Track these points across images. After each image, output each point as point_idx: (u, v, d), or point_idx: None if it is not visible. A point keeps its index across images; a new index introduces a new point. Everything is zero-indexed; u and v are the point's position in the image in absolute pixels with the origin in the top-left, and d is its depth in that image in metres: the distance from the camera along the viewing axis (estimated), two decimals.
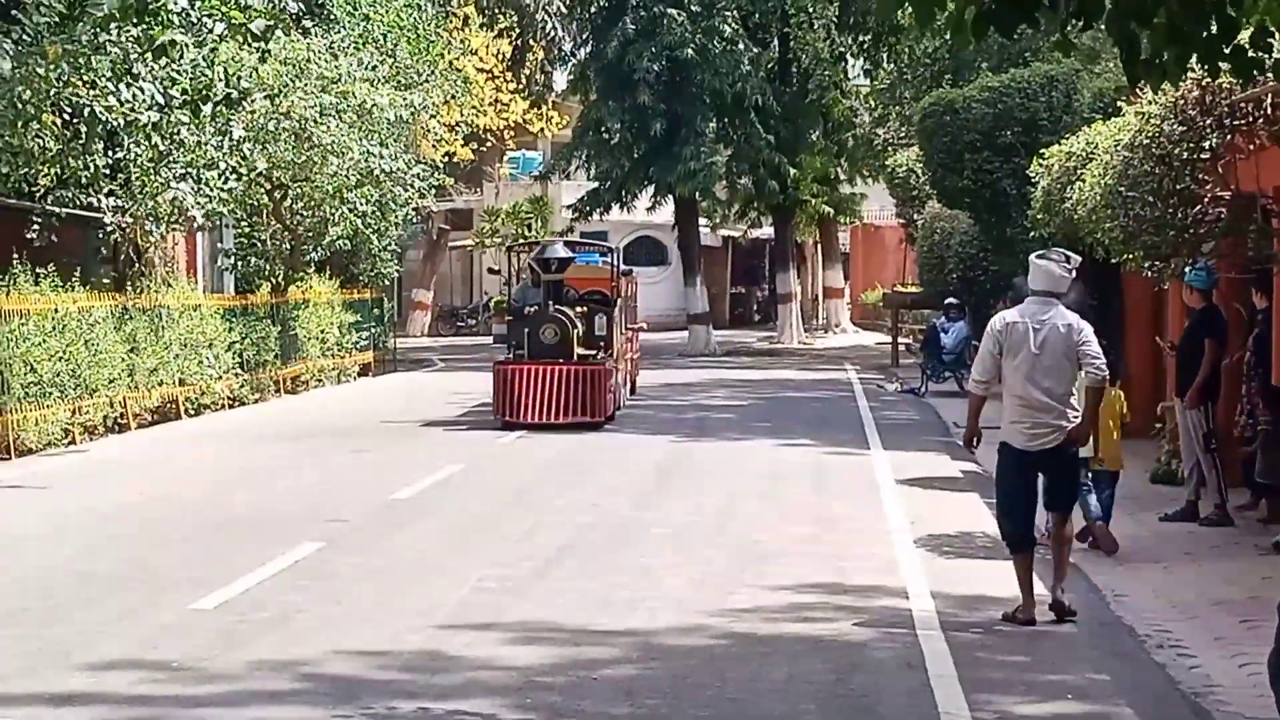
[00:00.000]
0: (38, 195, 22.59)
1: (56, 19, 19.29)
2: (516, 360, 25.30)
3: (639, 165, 47.64)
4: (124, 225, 25.88)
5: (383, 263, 38.34)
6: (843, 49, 48.77)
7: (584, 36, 49.03)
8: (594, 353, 25.82)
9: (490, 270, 56.53)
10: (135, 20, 20.56)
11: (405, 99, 32.14)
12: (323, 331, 34.01)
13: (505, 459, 21.59)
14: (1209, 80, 15.11)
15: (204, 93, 22.23)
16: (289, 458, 22.01)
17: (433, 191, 37.82)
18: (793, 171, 48.12)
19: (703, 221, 52.68)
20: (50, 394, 22.00)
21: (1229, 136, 15.94)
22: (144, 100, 20.48)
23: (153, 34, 20.69)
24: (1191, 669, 10.59)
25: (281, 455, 22.29)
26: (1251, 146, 15.84)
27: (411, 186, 33.64)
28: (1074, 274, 12.47)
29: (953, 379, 31.79)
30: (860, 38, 48.50)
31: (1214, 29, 7.70)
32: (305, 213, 32.12)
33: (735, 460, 21.85)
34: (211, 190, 26.74)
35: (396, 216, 35.03)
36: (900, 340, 41.24)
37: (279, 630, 11.47)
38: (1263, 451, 15.47)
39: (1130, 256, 17.68)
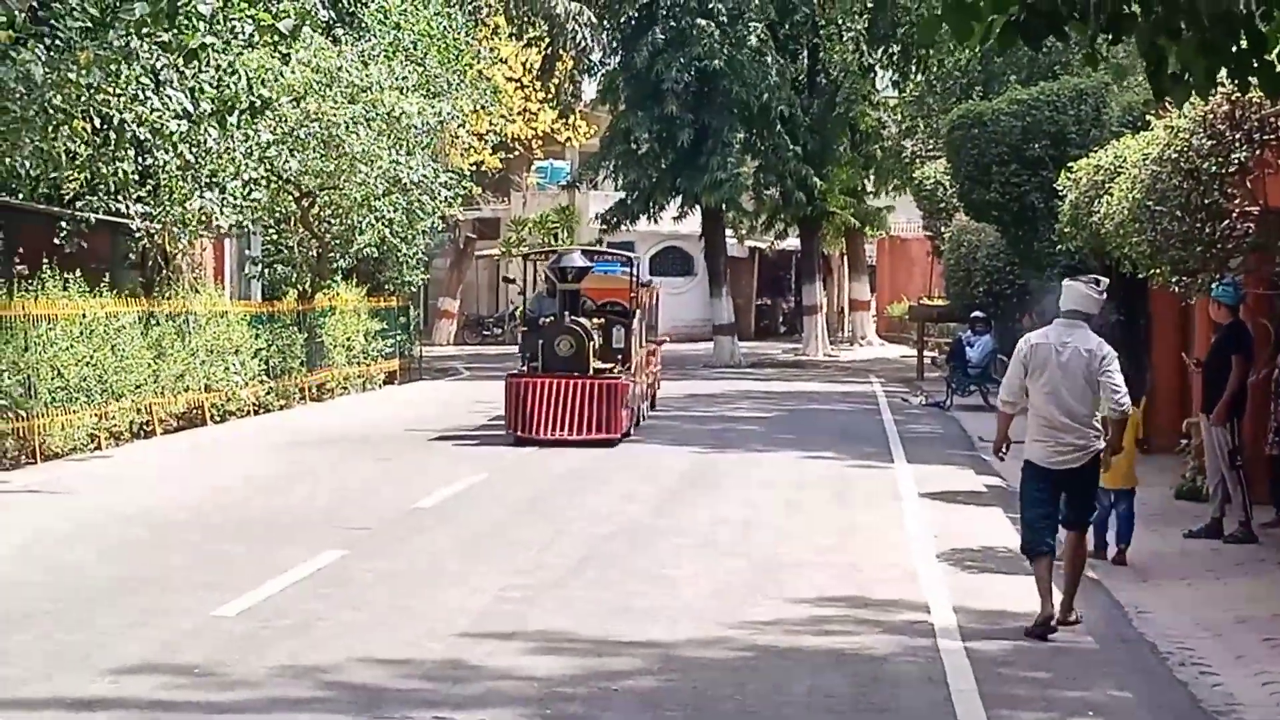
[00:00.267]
0: (67, 200, 22.69)
1: (88, 24, 19.37)
2: (530, 373, 24.47)
3: (666, 175, 47.62)
4: (152, 232, 26.04)
5: (409, 271, 38.47)
6: (871, 61, 48.82)
7: (613, 46, 49.05)
8: (611, 366, 24.99)
9: (505, 279, 56.74)
10: (166, 25, 20.71)
11: (434, 107, 32.23)
12: (349, 339, 34.06)
13: (526, 468, 21.57)
14: (1238, 95, 15.09)
15: (230, 103, 22.34)
16: (313, 465, 22.07)
17: (460, 200, 37.93)
18: (819, 183, 48.09)
19: (729, 232, 52.70)
20: (76, 399, 22.08)
21: (1258, 151, 15.93)
22: (172, 109, 20.57)
23: (183, 39, 20.85)
24: (1214, 687, 10.58)
25: (305, 462, 22.35)
26: (1275, 165, 15.83)
27: (439, 195, 33.68)
28: (1104, 297, 12.59)
29: (978, 393, 31.77)
30: (890, 49, 48.49)
31: (1244, 44, 7.68)
32: (333, 220, 32.20)
33: (758, 472, 21.84)
34: (238, 199, 26.89)
35: (424, 225, 35.14)
36: (926, 354, 41.20)
37: (300, 637, 11.50)
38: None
39: (1157, 271, 17.66)
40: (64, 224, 22.91)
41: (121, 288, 25.11)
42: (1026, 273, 29.76)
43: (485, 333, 60.21)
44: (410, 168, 31.30)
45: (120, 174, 21.58)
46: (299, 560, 14.41)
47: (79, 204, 23.12)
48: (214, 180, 25.37)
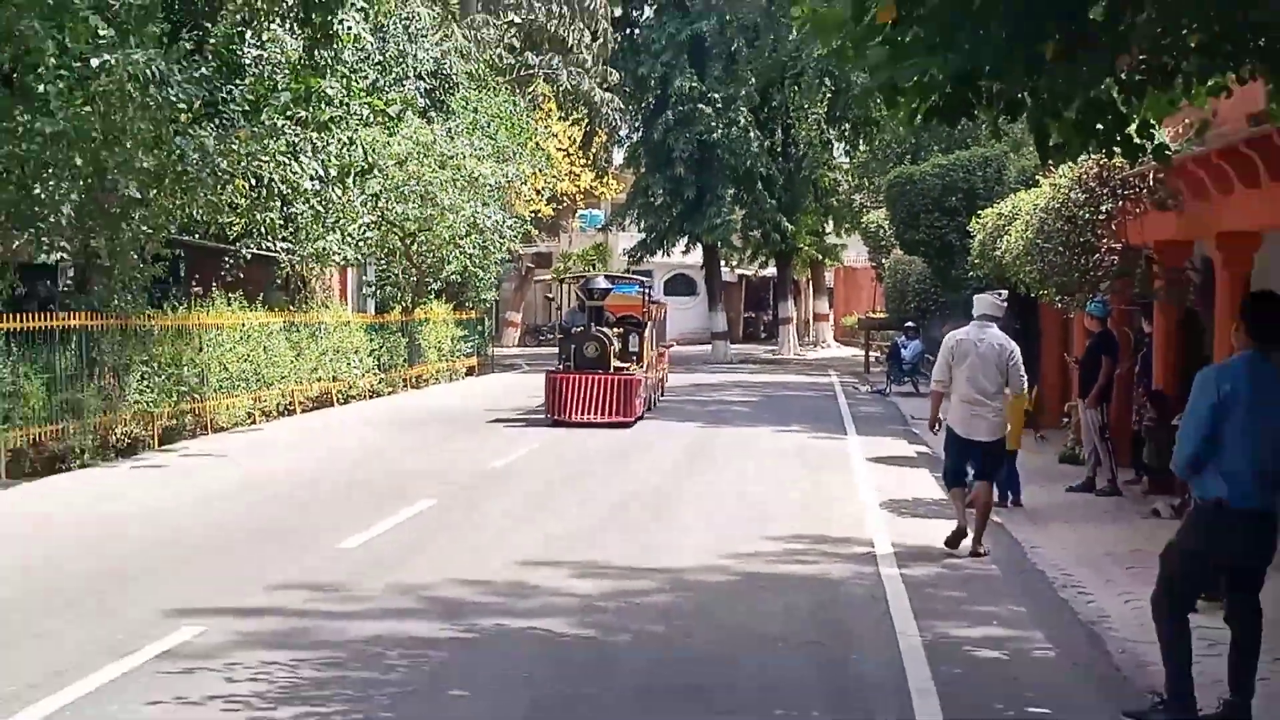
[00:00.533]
0: (230, 240, 22.82)
1: (246, 108, 19.49)
2: (564, 370, 24.10)
3: (676, 221, 47.62)
4: (293, 263, 26.19)
5: (484, 291, 38.52)
6: (829, 136, 48.68)
7: (636, 125, 49.10)
8: (627, 365, 24.66)
9: (547, 298, 56.74)
10: (304, 108, 20.85)
11: (502, 170, 32.27)
12: (439, 342, 34.12)
13: (570, 441, 21.51)
14: (1104, 160, 15.11)
15: (349, 168, 22.47)
16: (412, 436, 22.09)
17: (521, 239, 37.98)
18: (790, 226, 48.08)
19: (723, 263, 52.64)
20: (237, 386, 22.20)
21: (1120, 203, 15.98)
22: (307, 172, 20.68)
23: (316, 116, 21.01)
24: (1088, 604, 10.59)
25: (407, 434, 22.37)
26: (1138, 210, 15.86)
27: (506, 236, 33.77)
28: (1005, 304, 12.91)
29: (910, 383, 31.70)
30: (843, 127, 48.46)
31: (1109, 121, 7.71)
32: (427, 254, 32.30)
33: (745, 443, 21.78)
34: (355, 239, 27.05)
35: (495, 258, 35.21)
36: (870, 353, 41.12)
37: (403, 564, 11.56)
38: (1148, 440, 15.45)
39: (1045, 292, 17.68)
40: (228, 258, 23.00)
41: (270, 304, 25.22)
42: (946, 293, 29.73)
43: (541, 338, 60.03)
44: (485, 215, 31.42)
45: (269, 221, 21.62)
46: (402, 507, 14.49)
47: (239, 243, 23.22)
48: (338, 225, 25.50)
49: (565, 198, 48.21)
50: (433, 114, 32.74)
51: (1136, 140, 7.96)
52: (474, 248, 32.47)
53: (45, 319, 17.00)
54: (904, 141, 38.91)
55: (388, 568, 11.37)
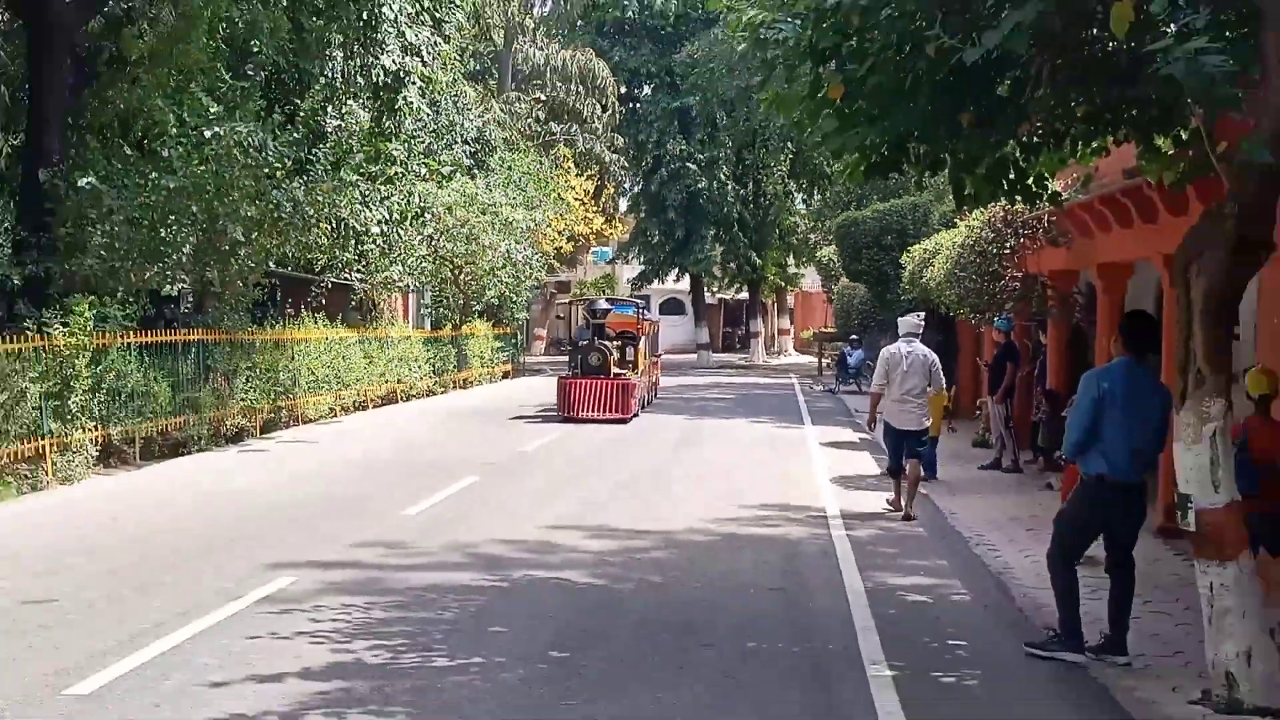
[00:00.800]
0: (315, 271, 22.85)
1: (328, 166, 19.51)
2: (573, 376, 23.48)
3: (668, 256, 47.55)
4: (365, 289, 26.17)
5: (517, 312, 38.40)
6: (790, 188, 48.70)
7: (637, 180, 48.94)
8: (625, 372, 23.88)
9: (558, 316, 56.63)
10: (374, 164, 20.94)
11: (531, 216, 32.26)
12: (481, 352, 34.02)
13: (580, 433, 21.39)
14: (1008, 206, 15.12)
15: (407, 213, 22.52)
16: (460, 426, 22.04)
17: (545, 270, 37.94)
18: (759, 260, 48.03)
19: (706, 289, 52.57)
20: (322, 387, 22.12)
21: (1021, 240, 15.96)
22: (374, 218, 20.72)
23: (384, 172, 21.12)
24: (996, 558, 10.59)
25: (455, 424, 22.32)
26: (1035, 246, 15.85)
27: (534, 268, 33.76)
28: (923, 324, 13.05)
29: (854, 384, 31.69)
30: (801, 181, 48.45)
31: (1012, 175, 7.72)
32: (471, 283, 32.19)
33: (723, 432, 21.77)
34: (414, 270, 27.04)
35: (525, 285, 35.11)
36: (823, 360, 41.04)
37: (453, 527, 11.56)
38: (1043, 428, 15.46)
39: (961, 311, 17.66)
40: (314, 286, 23.03)
41: (347, 322, 25.20)
42: (883, 312, 29.59)
43: (561, 348, 59.91)
44: (517, 252, 31.34)
45: (346, 257, 21.70)
46: (453, 482, 14.50)
47: (322, 273, 23.25)
48: (400, 259, 25.48)
49: (580, 237, 48.03)
50: (475, 171, 32.72)
51: (1034, 190, 7.98)
52: (508, 278, 32.34)
53: (170, 335, 17.01)
54: (849, 192, 38.81)
55: (441, 530, 11.37)
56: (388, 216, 21.42)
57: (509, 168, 33.56)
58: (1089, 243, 14.03)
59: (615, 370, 23.52)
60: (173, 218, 17.30)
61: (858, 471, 16.15)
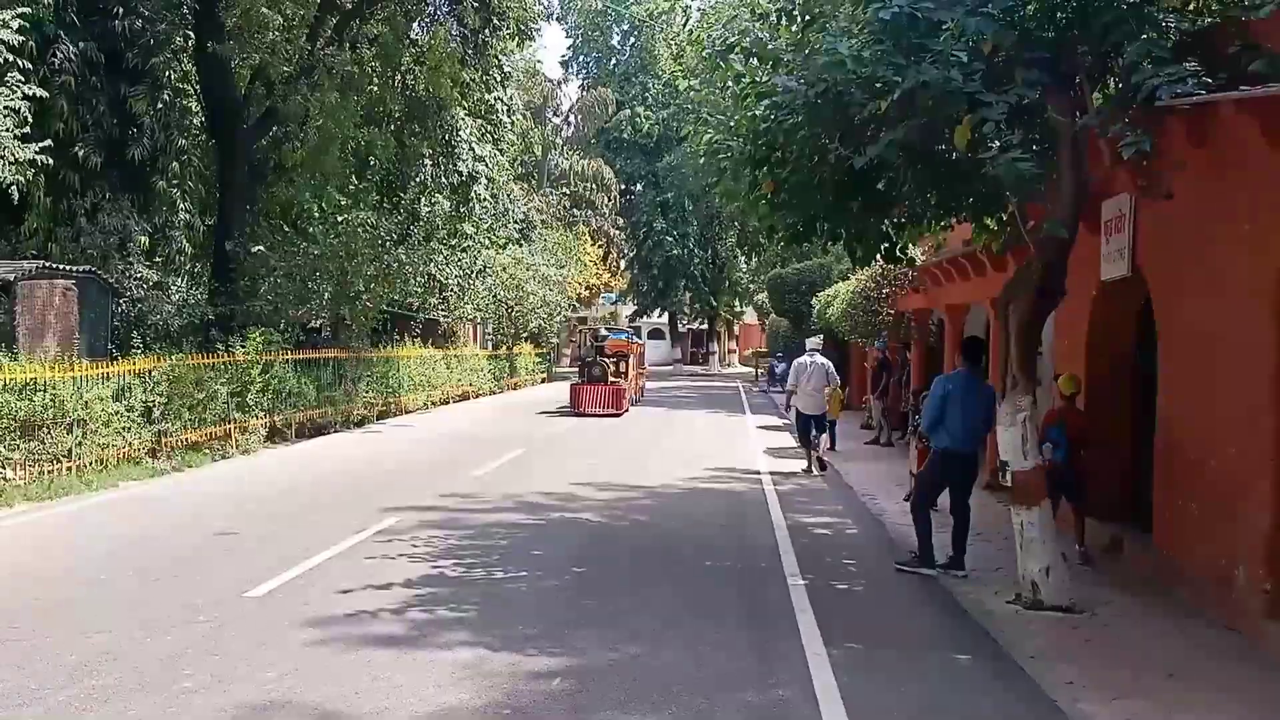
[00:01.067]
0: (413, 309, 22.73)
1: (423, 237, 19.47)
2: (582, 382, 22.61)
3: (653, 300, 47.67)
4: (447, 321, 26.01)
5: (551, 337, 38.28)
6: (738, 252, 48.77)
7: (632, 247, 48.99)
8: (619, 380, 23.04)
9: (570, 339, 56.33)
10: (453, 237, 20.87)
11: (560, 273, 32.23)
12: (526, 365, 33.88)
13: (589, 423, 21.27)
14: (886, 265, 15.15)
15: (473, 270, 22.43)
16: (510, 415, 21.87)
17: (570, 309, 37.87)
18: (715, 302, 48.15)
19: (680, 321, 52.52)
20: (417, 389, 21.96)
21: (893, 288, 15.99)
22: (453, 274, 20.67)
23: (460, 243, 21.03)
24: (875, 503, 10.57)
25: (507, 414, 22.13)
26: (903, 292, 15.87)
27: (562, 308, 33.65)
28: (824, 344, 13.07)
29: (780, 387, 31.54)
30: (744, 247, 48.39)
31: (887, 245, 7.74)
32: (519, 318, 32.06)
33: (689, 420, 21.69)
34: (480, 308, 26.90)
35: (556, 320, 35.00)
36: (758, 370, 40.93)
37: (508, 483, 11.44)
38: (910, 414, 15.46)
39: (854, 337, 17.67)
40: (412, 320, 22.93)
41: (435, 345, 25.09)
42: (799, 338, 29.62)
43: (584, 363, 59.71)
44: (550, 297, 31.30)
45: (433, 300, 21.63)
46: (506, 452, 14.38)
47: (419, 311, 23.15)
48: (471, 301, 25.37)
49: (594, 287, 48.05)
50: (522, 242, 32.69)
51: (901, 255, 8.01)
52: (544, 314, 32.22)
53: (315, 353, 16.94)
54: (777, 256, 38.87)
55: (498, 485, 11.29)
56: (462, 273, 21.42)
57: (545, 240, 33.53)
58: (939, 289, 14.07)
59: (611, 379, 23.05)
60: (316, 274, 17.27)
61: (781, 445, 16.11)
